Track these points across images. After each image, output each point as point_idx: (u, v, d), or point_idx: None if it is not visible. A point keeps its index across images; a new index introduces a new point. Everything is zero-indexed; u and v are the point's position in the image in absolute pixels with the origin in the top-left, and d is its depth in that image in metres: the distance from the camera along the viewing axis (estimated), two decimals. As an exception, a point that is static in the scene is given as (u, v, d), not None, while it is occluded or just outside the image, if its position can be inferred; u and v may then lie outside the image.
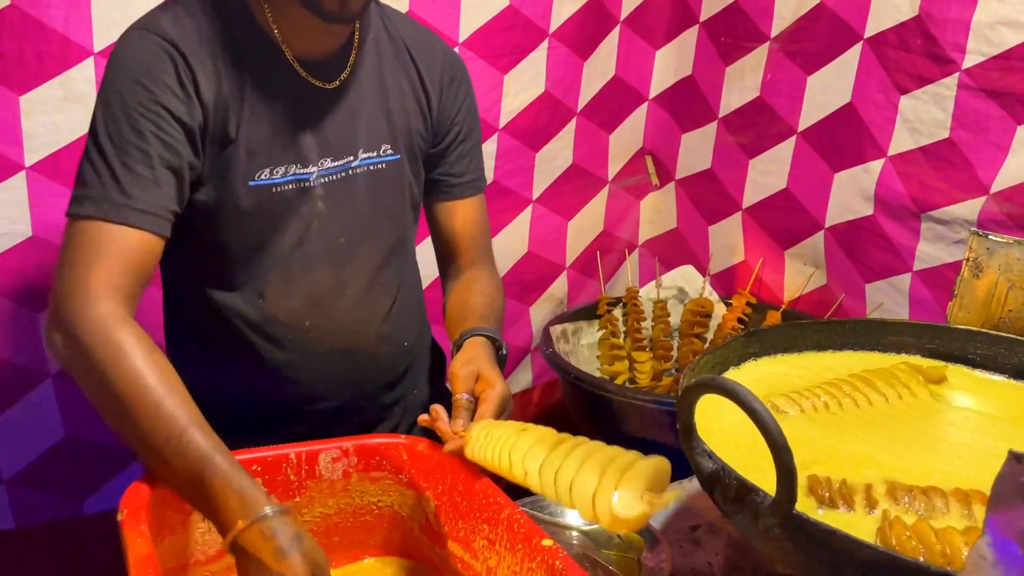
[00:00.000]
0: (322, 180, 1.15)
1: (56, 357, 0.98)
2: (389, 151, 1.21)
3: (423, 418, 1.10)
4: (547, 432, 0.98)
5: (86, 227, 0.98)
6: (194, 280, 1.18)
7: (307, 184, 1.14)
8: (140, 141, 1.00)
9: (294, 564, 0.87)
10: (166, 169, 1.02)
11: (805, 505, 0.89)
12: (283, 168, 1.12)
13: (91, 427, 1.73)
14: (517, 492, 1.02)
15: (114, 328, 0.94)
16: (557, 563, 0.89)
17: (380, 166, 1.21)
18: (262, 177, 1.11)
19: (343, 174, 1.17)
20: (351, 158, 1.18)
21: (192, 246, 1.14)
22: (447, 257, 1.36)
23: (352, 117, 1.17)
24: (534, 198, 2.23)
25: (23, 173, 1.50)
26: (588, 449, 0.92)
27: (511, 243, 2.24)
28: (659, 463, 0.86)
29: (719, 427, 1.04)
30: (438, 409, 1.09)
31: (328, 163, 1.15)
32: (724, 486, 0.88)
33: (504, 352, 1.20)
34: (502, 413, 1.08)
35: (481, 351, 1.15)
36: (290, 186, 1.13)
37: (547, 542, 0.92)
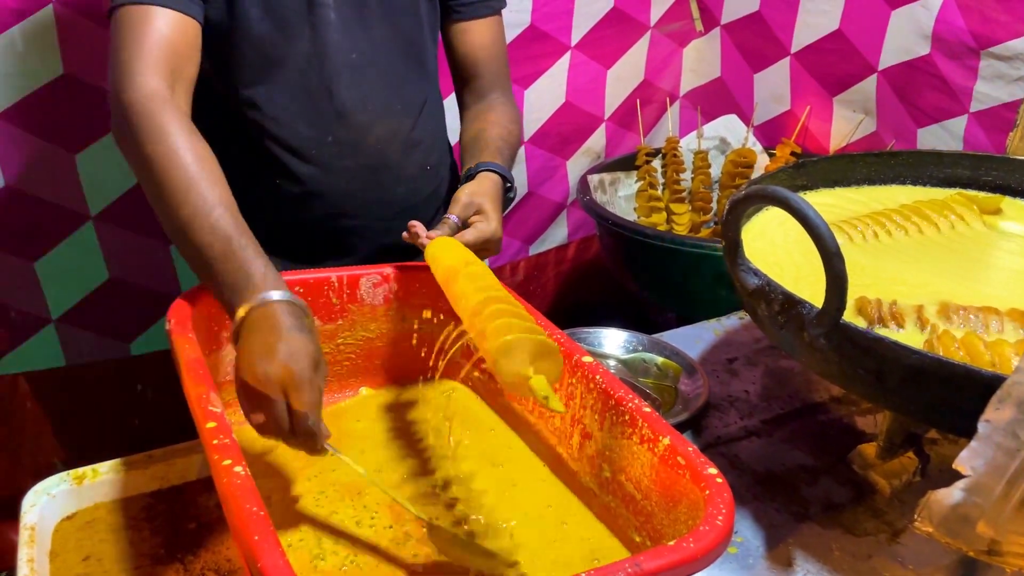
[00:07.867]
0: None
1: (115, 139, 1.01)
2: None
3: (406, 236, 1.09)
4: (494, 283, 0.92)
5: (125, 14, 1.01)
6: (220, 96, 1.17)
7: None
8: None
9: (296, 344, 0.84)
10: None
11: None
12: None
13: (134, 271, 1.76)
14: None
15: (159, 109, 0.96)
16: (597, 377, 0.89)
17: None
18: None
19: None
20: None
21: (216, 58, 1.12)
22: (463, 82, 1.34)
23: None
24: (572, 44, 2.15)
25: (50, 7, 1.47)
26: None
27: (548, 92, 2.18)
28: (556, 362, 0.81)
29: (761, 252, 1.02)
30: (417, 226, 1.08)
31: None
32: (768, 301, 0.86)
33: (512, 195, 1.21)
34: (482, 250, 1.09)
35: (490, 187, 1.14)
36: None
37: (587, 359, 0.92)
